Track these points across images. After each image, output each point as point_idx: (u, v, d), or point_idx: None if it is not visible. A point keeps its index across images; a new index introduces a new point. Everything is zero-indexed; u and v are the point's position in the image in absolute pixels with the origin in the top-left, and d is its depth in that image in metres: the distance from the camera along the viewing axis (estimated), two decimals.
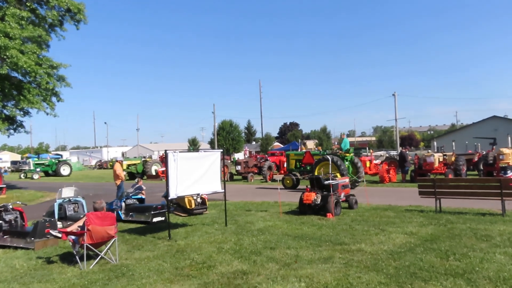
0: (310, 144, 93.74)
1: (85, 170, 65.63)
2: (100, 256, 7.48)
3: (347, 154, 19.62)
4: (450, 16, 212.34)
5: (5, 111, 21.63)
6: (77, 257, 7.34)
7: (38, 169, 41.79)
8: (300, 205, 12.42)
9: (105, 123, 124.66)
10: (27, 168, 42.73)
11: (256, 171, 28.66)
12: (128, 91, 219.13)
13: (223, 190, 11.08)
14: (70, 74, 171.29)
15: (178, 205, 13.96)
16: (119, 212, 12.55)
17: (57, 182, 35.05)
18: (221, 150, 11.16)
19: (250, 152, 54.79)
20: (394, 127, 71.90)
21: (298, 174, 21.47)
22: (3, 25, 18.55)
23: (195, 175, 10.13)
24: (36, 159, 45.53)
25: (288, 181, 21.36)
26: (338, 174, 13.31)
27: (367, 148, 32.69)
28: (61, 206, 11.26)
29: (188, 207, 13.38)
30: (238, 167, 27.75)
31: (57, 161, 43.69)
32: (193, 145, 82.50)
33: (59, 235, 7.62)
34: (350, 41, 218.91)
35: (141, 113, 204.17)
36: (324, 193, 12.07)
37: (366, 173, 23.01)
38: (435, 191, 11.98)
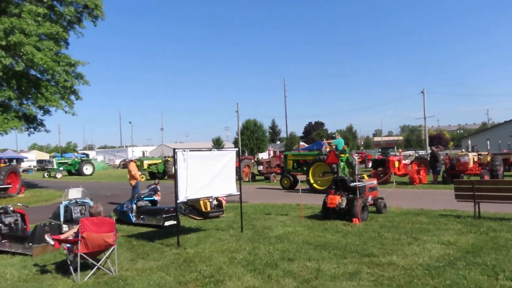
0: None
1: (109, 169, 66.15)
2: (96, 267, 6.72)
3: (342, 155, 19.04)
4: (480, 16, 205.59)
5: (22, 109, 21.40)
6: (71, 267, 6.61)
7: (61, 168, 42.06)
8: (323, 209, 11.44)
9: (130, 122, 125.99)
10: (51, 167, 43.10)
11: (279, 171, 27.66)
12: (153, 90, 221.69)
13: (238, 193, 10.19)
14: (95, 73, 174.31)
15: (193, 207, 13.21)
16: (130, 214, 11.87)
17: (79, 181, 35.06)
18: (237, 149, 10.28)
19: (274, 152, 53.93)
20: (422, 126, 69.51)
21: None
22: (18, 21, 18.25)
23: (208, 176, 9.29)
24: (60, 158, 45.94)
25: (285, 182, 21.32)
26: (365, 176, 12.23)
27: (395, 147, 31.26)
28: (67, 208, 10.63)
29: (203, 210, 12.65)
30: (260, 167, 26.88)
31: (80, 160, 43.92)
32: (217, 145, 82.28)
33: (52, 242, 6.92)
34: (377, 38, 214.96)
35: (166, 113, 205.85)
36: (350, 196, 11.04)
37: (394, 173, 21.74)
38: (474, 194, 10.76)
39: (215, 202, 12.77)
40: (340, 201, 10.87)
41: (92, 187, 28.04)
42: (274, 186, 23.83)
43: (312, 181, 19.20)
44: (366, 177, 12.19)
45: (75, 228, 6.81)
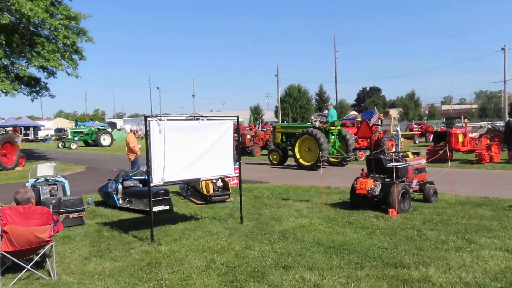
0: (394, 113, 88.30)
1: None
2: (26, 269, 5.84)
3: (332, 127, 19.59)
4: None
5: (15, 69, 21.04)
6: None
7: (76, 138, 42.64)
8: (351, 196, 10.09)
9: (158, 88, 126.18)
10: (66, 137, 43.86)
11: None
12: (184, 53, 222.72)
13: (236, 174, 9.03)
14: (122, 35, 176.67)
15: (195, 189, 12.28)
16: (114, 196, 11.05)
17: (93, 153, 35.34)
18: (235, 118, 9.04)
19: (321, 122, 52.22)
20: (502, 92, 64.75)
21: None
22: None
23: (194, 152, 8.17)
24: (76, 127, 46.65)
25: (274, 156, 21.63)
26: (410, 153, 10.69)
27: (462, 117, 28.73)
28: (33, 188, 9.91)
29: (205, 193, 11.67)
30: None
31: (97, 130, 44.35)
32: (256, 114, 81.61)
33: None
34: None
35: (200, 79, 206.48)
36: (386, 180, 9.60)
37: (457, 150, 19.80)
38: None
39: (219, 184, 11.73)
40: (372, 186, 9.46)
41: (101, 159, 27.97)
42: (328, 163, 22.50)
43: (298, 156, 19.66)
44: (410, 155, 10.64)
45: None
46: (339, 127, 19.93)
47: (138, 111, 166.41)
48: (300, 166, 19.48)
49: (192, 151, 8.14)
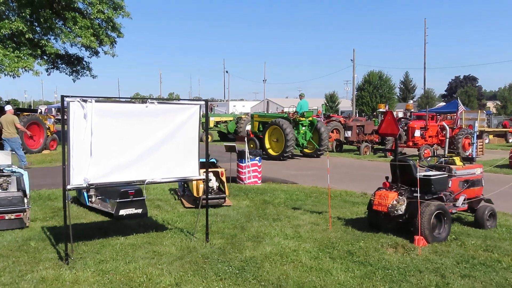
0: (491, 105, 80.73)
1: None
2: None
3: (303, 119, 19.87)
4: None
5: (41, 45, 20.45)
6: None
7: None
8: (369, 213, 7.86)
9: (227, 72, 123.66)
10: None
11: (377, 140, 23.59)
12: (259, 38, 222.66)
13: (201, 176, 7.19)
14: (199, 21, 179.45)
15: (190, 190, 10.67)
16: (85, 193, 9.63)
17: None
18: (202, 103, 7.13)
19: (405, 114, 48.45)
20: None
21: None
22: None
23: (139, 146, 6.43)
24: None
25: (251, 146, 21.24)
26: (457, 160, 8.16)
27: None
28: None
29: (194, 194, 9.98)
30: (349, 133, 23.02)
31: None
32: (331, 102, 78.70)
33: None
34: None
35: (275, 64, 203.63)
36: (415, 195, 7.24)
37: None
38: None
39: (212, 184, 9.94)
40: (394, 202, 7.18)
41: None
42: (362, 160, 20.03)
43: (268, 146, 20.08)
44: (458, 162, 8.12)
45: None
46: (310, 118, 20.26)
47: (214, 96, 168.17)
48: (268, 156, 19.83)
49: (135, 144, 6.40)
